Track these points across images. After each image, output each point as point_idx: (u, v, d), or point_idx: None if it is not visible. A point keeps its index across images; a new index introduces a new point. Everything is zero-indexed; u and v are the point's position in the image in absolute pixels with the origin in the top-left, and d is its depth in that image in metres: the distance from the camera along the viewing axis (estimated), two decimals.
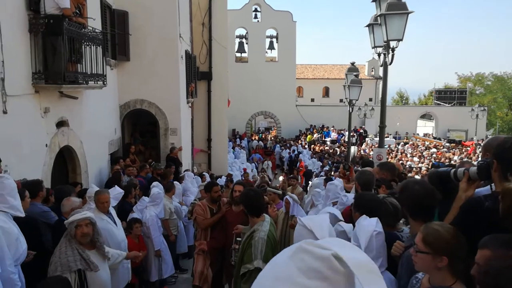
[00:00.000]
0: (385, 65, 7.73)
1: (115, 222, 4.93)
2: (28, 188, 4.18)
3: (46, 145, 6.18)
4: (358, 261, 0.92)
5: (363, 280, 0.89)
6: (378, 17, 7.50)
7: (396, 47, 7.20)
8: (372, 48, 8.40)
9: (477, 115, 28.21)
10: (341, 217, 3.74)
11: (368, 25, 8.42)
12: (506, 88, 44.23)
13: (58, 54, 5.82)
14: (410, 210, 2.63)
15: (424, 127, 35.07)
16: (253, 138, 28.33)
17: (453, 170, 2.42)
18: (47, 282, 2.93)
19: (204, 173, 11.36)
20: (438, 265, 2.03)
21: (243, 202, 3.94)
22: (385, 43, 7.40)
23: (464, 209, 2.31)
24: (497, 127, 41.24)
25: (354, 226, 2.89)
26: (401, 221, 3.38)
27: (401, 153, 23.46)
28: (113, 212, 5.05)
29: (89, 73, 6.98)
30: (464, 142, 27.81)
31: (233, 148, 22.85)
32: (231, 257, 4.47)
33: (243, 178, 12.92)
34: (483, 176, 2.37)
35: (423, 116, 34.78)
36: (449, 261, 2.02)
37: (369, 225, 2.41)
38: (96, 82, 7.38)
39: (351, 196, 5.19)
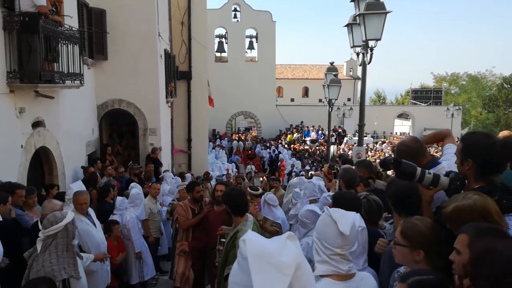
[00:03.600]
0: (363, 65, 7.83)
1: (94, 224, 4.85)
2: (5, 190, 4.07)
3: (22, 146, 6.02)
4: (261, 250, 0.96)
5: (253, 268, 0.93)
6: (357, 17, 7.60)
7: (374, 47, 7.31)
8: (351, 47, 8.51)
9: (452, 114, 28.89)
10: (321, 213, 3.77)
11: (347, 25, 8.51)
12: (480, 87, 45.61)
13: (33, 53, 5.67)
14: (395, 205, 2.69)
15: (401, 126, 35.80)
16: (233, 138, 28.30)
17: (420, 170, 2.39)
18: (32, 282, 2.83)
19: (186, 174, 11.27)
20: (416, 258, 2.08)
21: (226, 202, 3.92)
22: (363, 43, 7.50)
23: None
24: (471, 126, 42.40)
25: None
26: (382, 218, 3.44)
27: (379, 152, 23.84)
28: (92, 213, 4.97)
29: (65, 72, 6.82)
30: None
31: (213, 148, 22.77)
32: (215, 258, 4.44)
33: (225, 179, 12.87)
34: (451, 193, 2.36)
35: (400, 116, 35.47)
36: (426, 255, 2.06)
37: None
38: (73, 82, 7.22)
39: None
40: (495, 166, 2.27)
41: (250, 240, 0.99)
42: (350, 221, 2.05)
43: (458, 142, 2.44)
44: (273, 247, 0.98)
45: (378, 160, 20.19)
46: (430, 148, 22.06)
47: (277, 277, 0.92)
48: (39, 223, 3.58)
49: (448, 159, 2.92)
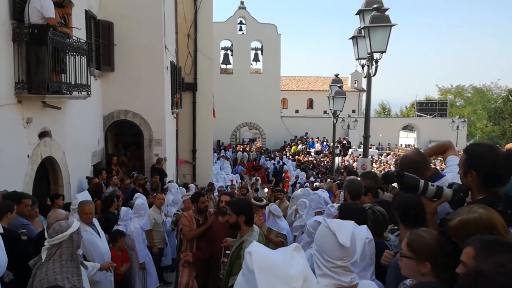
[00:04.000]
0: (369, 77, 7.86)
1: (98, 234, 4.85)
2: (10, 198, 4.09)
3: (28, 155, 6.06)
4: (268, 263, 0.93)
5: (260, 281, 0.91)
6: (362, 30, 7.65)
7: (379, 59, 7.34)
8: (356, 60, 8.55)
9: (457, 127, 28.82)
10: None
11: (352, 37, 8.57)
12: (485, 100, 45.44)
13: (41, 64, 5.75)
14: (401, 216, 2.68)
15: (406, 138, 35.68)
16: (237, 149, 28.32)
17: (423, 182, 2.38)
18: None
19: (189, 184, 11.27)
20: (422, 270, 2.06)
21: (243, 212, 3.89)
22: (368, 55, 7.54)
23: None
24: (477, 138, 42.17)
25: None
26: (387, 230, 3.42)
27: (384, 164, 23.74)
28: (96, 223, 4.97)
29: (73, 83, 6.90)
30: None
31: (218, 159, 22.78)
32: (220, 270, 4.41)
33: (229, 190, 12.85)
34: (456, 205, 2.36)
35: (405, 128, 35.38)
36: (432, 267, 2.05)
37: (361, 233, 2.43)
38: (80, 93, 7.29)
39: (337, 206, 5.23)
40: (499, 179, 2.25)
41: (256, 252, 0.97)
42: (349, 231, 2.01)
43: (462, 153, 2.43)
44: (280, 259, 0.96)
45: (383, 172, 20.10)
46: (435, 160, 21.95)
47: None
48: (45, 232, 3.57)
49: (451, 171, 2.91)
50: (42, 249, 3.26)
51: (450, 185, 2.43)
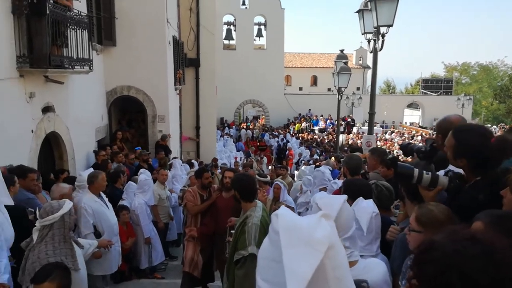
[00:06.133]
0: (375, 51, 7.72)
1: (107, 206, 4.92)
2: (16, 172, 4.08)
3: (32, 130, 6.04)
4: (294, 225, 0.93)
5: (284, 242, 0.90)
6: (368, 3, 7.47)
7: (386, 33, 7.19)
8: (362, 34, 8.38)
9: (463, 105, 28.56)
10: None
11: (358, 11, 8.38)
12: (492, 77, 44.87)
13: (42, 37, 5.64)
14: (407, 192, 2.65)
15: (411, 116, 35.45)
16: (241, 126, 28.25)
17: (417, 171, 2.32)
18: (45, 267, 2.78)
19: (192, 160, 11.29)
20: None
21: (235, 187, 3.89)
22: (375, 29, 7.38)
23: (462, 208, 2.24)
24: (482, 117, 41.88)
25: None
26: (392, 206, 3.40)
27: (390, 142, 23.67)
28: (103, 195, 5.02)
29: (75, 57, 6.81)
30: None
31: (221, 136, 22.76)
32: (224, 245, 4.43)
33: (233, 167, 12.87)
34: (452, 192, 2.32)
35: (410, 105, 35.12)
36: None
37: (367, 207, 2.42)
38: (82, 67, 7.21)
39: (339, 182, 5.23)
40: (490, 164, 2.20)
41: (283, 215, 0.96)
42: (336, 206, 1.99)
43: (450, 135, 2.32)
44: (306, 223, 0.95)
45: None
46: None
47: (308, 251, 0.89)
48: None
49: None
50: (33, 229, 3.19)
51: (446, 172, 2.39)
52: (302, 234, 0.91)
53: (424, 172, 2.34)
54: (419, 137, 24.87)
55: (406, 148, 2.68)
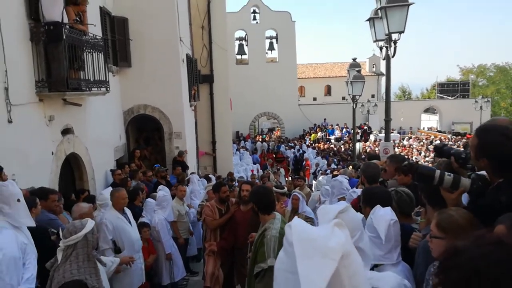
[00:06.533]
0: (387, 58, 7.70)
1: (130, 223, 4.98)
2: (37, 194, 4.17)
3: (52, 153, 6.18)
4: (307, 235, 0.94)
5: (298, 252, 0.91)
6: (379, 10, 7.48)
7: (398, 40, 7.18)
8: (374, 42, 8.38)
9: (481, 107, 28.02)
10: None
11: (369, 19, 8.40)
12: (509, 78, 43.96)
13: (60, 62, 5.82)
14: (428, 198, 2.60)
15: (428, 121, 34.93)
16: (257, 139, 28.30)
17: (438, 172, 2.27)
18: (67, 284, 2.82)
19: (210, 175, 11.35)
20: None
21: (253, 200, 3.89)
22: (386, 36, 7.37)
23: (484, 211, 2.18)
24: None
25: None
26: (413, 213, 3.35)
27: (408, 148, 23.36)
28: (128, 212, 5.10)
29: (91, 80, 6.98)
30: (469, 134, 27.65)
31: (238, 150, 22.82)
32: (244, 259, 4.42)
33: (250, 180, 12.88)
34: (474, 195, 2.26)
35: (427, 110, 34.63)
36: None
37: (385, 215, 2.38)
38: (99, 89, 7.38)
39: (359, 191, 5.19)
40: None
41: (296, 226, 0.97)
42: (331, 214, 1.95)
43: (473, 135, 2.28)
44: (319, 232, 0.96)
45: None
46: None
47: (323, 262, 0.90)
48: None
49: None
50: (57, 250, 3.23)
51: (469, 175, 2.34)
52: (316, 244, 0.91)
53: (446, 173, 2.29)
54: (437, 141, 24.46)
55: (442, 149, 2.59)
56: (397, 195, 3.09)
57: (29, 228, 3.65)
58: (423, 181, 2.35)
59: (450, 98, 35.68)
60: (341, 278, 0.91)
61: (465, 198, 2.49)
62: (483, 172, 2.35)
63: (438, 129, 31.62)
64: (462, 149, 2.53)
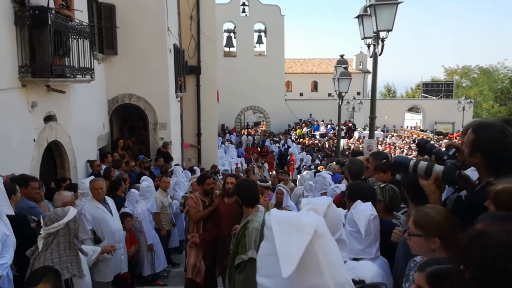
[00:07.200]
0: (375, 56, 7.76)
1: (111, 212, 4.95)
2: (17, 181, 4.10)
3: (34, 140, 6.07)
4: (283, 217, 1.02)
5: (276, 233, 0.98)
6: (368, 8, 7.52)
7: (385, 38, 7.23)
8: (362, 39, 8.42)
9: (463, 108, 28.55)
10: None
11: (358, 16, 8.43)
12: (492, 80, 44.81)
13: (44, 47, 5.70)
14: (410, 194, 2.65)
15: (412, 120, 35.46)
16: (242, 133, 28.27)
17: (412, 161, 2.33)
18: (39, 271, 2.79)
19: (194, 167, 11.31)
20: (432, 247, 2.04)
21: (237, 193, 3.91)
22: (374, 34, 7.43)
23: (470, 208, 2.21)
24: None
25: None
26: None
27: (390, 146, 23.67)
28: (110, 202, 5.07)
29: (76, 67, 6.86)
30: (451, 134, 28.17)
31: (223, 143, 22.77)
32: (226, 251, 4.42)
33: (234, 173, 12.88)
34: (448, 181, 2.30)
35: (411, 109, 35.14)
36: (442, 242, 2.02)
37: (365, 209, 2.42)
38: (84, 76, 7.26)
39: (342, 186, 5.25)
40: (506, 164, 2.16)
41: (274, 212, 1.05)
42: (322, 207, 1.99)
43: (470, 131, 2.30)
44: (295, 214, 1.05)
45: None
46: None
47: (297, 236, 0.96)
48: None
49: None
50: (38, 238, 3.20)
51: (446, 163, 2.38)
52: (291, 222, 0.98)
53: (421, 161, 2.35)
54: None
55: (424, 146, 2.62)
56: (392, 191, 3.11)
57: (8, 216, 3.58)
58: (399, 169, 2.41)
59: (434, 98, 36.24)
60: (317, 255, 0.96)
61: (445, 193, 2.54)
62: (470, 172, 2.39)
63: (421, 128, 32.11)
64: (444, 149, 2.57)
